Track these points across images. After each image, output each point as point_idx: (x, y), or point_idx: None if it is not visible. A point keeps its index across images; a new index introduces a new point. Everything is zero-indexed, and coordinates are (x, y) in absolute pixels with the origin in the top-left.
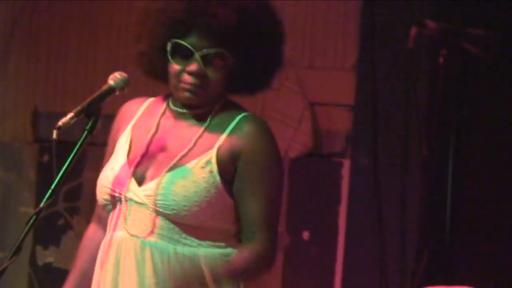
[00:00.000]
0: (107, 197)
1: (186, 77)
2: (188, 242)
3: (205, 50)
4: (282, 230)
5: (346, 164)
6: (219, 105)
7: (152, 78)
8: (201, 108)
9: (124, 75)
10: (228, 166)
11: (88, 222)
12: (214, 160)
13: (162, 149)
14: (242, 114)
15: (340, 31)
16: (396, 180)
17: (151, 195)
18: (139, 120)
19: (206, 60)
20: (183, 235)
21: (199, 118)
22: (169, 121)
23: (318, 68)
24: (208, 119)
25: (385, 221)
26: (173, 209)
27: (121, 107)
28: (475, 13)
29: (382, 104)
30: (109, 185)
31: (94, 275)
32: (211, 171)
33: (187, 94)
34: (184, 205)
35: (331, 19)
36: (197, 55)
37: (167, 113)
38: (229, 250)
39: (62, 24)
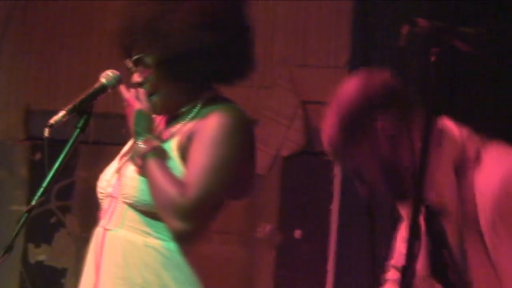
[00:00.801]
0: (99, 194)
1: (134, 77)
2: (158, 233)
3: (139, 54)
4: (273, 228)
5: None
6: (200, 103)
7: None
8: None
9: (117, 73)
10: (186, 147)
11: (80, 220)
12: (173, 144)
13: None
14: (219, 105)
15: (332, 29)
16: None
17: (121, 188)
18: None
19: (136, 61)
20: (152, 225)
21: (182, 118)
22: (162, 121)
23: (311, 66)
24: (183, 116)
25: (377, 220)
26: (130, 196)
27: None
28: (467, 12)
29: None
30: (101, 184)
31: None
32: (170, 156)
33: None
34: (139, 191)
35: (323, 17)
36: (133, 57)
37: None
38: None
39: (55, 22)
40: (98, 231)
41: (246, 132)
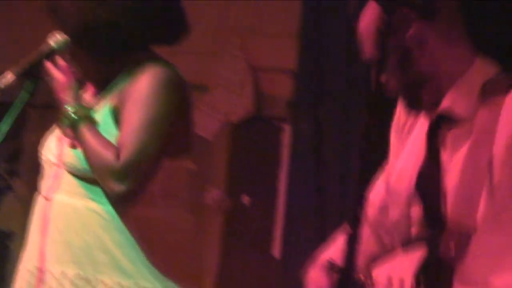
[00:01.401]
0: (41, 160)
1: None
2: (97, 198)
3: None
4: (221, 194)
5: (287, 128)
6: (131, 66)
7: None
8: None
9: (65, 36)
10: (119, 109)
11: (28, 184)
12: (108, 108)
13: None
14: (148, 63)
15: None
16: (336, 145)
17: (62, 155)
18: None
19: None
20: (90, 190)
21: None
22: (92, 89)
23: (261, 34)
24: (115, 79)
25: (325, 186)
26: (69, 162)
27: None
28: None
29: (324, 70)
30: (44, 150)
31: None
32: (105, 121)
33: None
34: (75, 162)
35: None
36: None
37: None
38: None
39: None
40: (39, 197)
41: (177, 89)
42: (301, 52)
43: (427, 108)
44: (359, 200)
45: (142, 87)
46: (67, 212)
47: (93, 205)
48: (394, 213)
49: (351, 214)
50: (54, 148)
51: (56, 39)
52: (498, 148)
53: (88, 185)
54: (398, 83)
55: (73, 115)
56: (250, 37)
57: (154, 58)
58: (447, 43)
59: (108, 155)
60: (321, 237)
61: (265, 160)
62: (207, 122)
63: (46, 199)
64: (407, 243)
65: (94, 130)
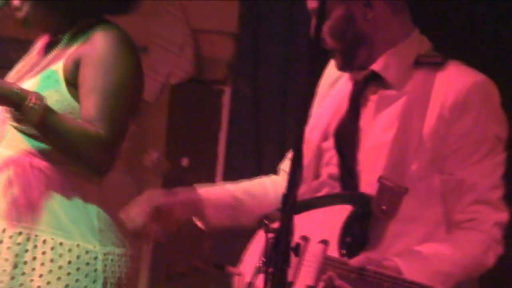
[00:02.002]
0: None
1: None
2: (45, 157)
3: None
4: (160, 156)
5: (227, 91)
6: (78, 28)
7: None
8: (55, 34)
9: None
10: (74, 73)
11: None
12: (59, 69)
13: (27, 67)
14: (99, 26)
15: None
16: (275, 107)
17: (5, 110)
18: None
19: None
20: (40, 145)
21: (63, 42)
22: (45, 47)
23: None
24: (63, 39)
25: (264, 147)
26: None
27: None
28: None
29: (265, 33)
30: None
31: None
32: (55, 80)
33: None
34: None
35: None
36: None
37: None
38: None
39: None
40: None
41: (133, 49)
42: (241, 15)
43: (356, 69)
44: (298, 160)
45: (100, 50)
46: (11, 168)
47: (39, 162)
48: (305, 161)
49: (289, 175)
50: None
51: None
52: (431, 117)
53: (34, 141)
54: (336, 40)
55: (33, 105)
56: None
57: (102, 20)
58: (391, 13)
59: (90, 131)
60: None
61: (204, 122)
62: (147, 84)
63: None
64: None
65: (61, 115)
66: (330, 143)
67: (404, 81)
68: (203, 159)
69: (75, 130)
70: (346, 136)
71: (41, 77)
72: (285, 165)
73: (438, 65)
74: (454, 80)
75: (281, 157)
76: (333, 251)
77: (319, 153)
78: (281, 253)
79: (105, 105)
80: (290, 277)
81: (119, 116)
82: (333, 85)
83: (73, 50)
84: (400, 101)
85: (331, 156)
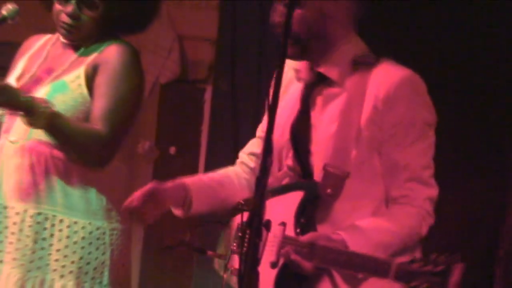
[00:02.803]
0: (0, 111)
1: (63, 17)
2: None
3: None
4: (151, 145)
5: (209, 89)
6: (95, 40)
7: (47, 12)
8: (80, 42)
9: (16, 6)
10: (91, 78)
11: None
12: (82, 75)
13: (48, 71)
14: (113, 40)
15: None
16: (251, 103)
17: None
18: (37, 51)
19: (80, 4)
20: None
21: (77, 49)
22: (58, 50)
23: (186, 6)
24: (81, 48)
25: (240, 137)
26: None
27: (24, 41)
28: None
29: (241, 38)
30: None
31: None
32: (80, 84)
33: (62, 31)
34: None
35: None
36: (72, 1)
37: (58, 43)
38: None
39: None
40: (2, 144)
41: (139, 64)
42: (221, 23)
43: (305, 60)
44: (268, 148)
45: (116, 63)
46: (35, 158)
47: (58, 153)
48: (274, 163)
49: (261, 162)
50: None
51: (7, 8)
52: (367, 109)
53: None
54: (303, 29)
55: (42, 109)
56: (176, 9)
57: (115, 36)
58: (350, 14)
59: (91, 129)
60: None
61: (189, 116)
62: None
63: (13, 143)
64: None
65: (65, 118)
66: (287, 139)
67: (344, 79)
68: (188, 147)
69: (78, 130)
70: (300, 132)
71: (69, 79)
72: (244, 158)
73: (372, 64)
74: (385, 76)
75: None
76: (290, 231)
77: (280, 148)
78: (254, 228)
79: (111, 108)
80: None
81: (120, 118)
82: (286, 88)
83: (91, 59)
84: (341, 97)
85: (288, 150)
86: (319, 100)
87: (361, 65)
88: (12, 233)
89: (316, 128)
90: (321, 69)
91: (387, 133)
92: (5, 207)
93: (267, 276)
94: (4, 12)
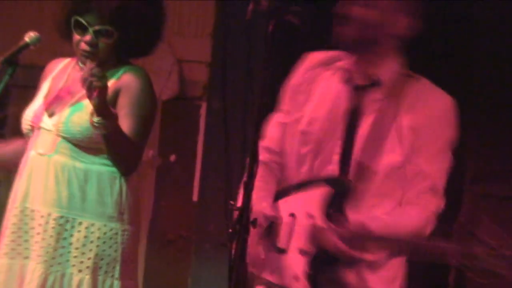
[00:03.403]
0: (28, 126)
1: (83, 45)
2: (84, 159)
3: (96, 27)
4: (154, 154)
5: (203, 105)
6: (112, 64)
7: (65, 40)
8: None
9: (37, 34)
10: (113, 100)
11: None
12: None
13: (69, 93)
14: (128, 66)
15: (201, 6)
16: (239, 119)
17: (55, 124)
18: (57, 74)
19: (97, 33)
20: (81, 154)
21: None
22: (77, 74)
23: (184, 34)
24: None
25: (231, 147)
26: (70, 133)
27: (47, 64)
28: None
29: (231, 62)
30: (29, 118)
31: (14, 183)
32: None
33: (82, 58)
34: (78, 131)
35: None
36: (90, 30)
37: (76, 68)
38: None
39: None
40: (31, 155)
41: (152, 87)
42: (214, 49)
43: (358, 73)
44: (254, 156)
45: (136, 87)
46: (59, 169)
47: (80, 164)
48: (304, 149)
49: (248, 168)
50: (47, 120)
51: (30, 36)
52: (408, 120)
53: (77, 149)
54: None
55: (110, 118)
56: (175, 36)
57: (126, 61)
58: (401, 33)
59: (133, 143)
60: (228, 187)
61: (187, 128)
62: None
63: (41, 155)
64: (308, 180)
65: (121, 130)
66: (336, 135)
67: (392, 87)
68: (186, 156)
69: (129, 142)
70: (350, 130)
71: (84, 103)
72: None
73: (415, 79)
74: (428, 95)
75: (242, 156)
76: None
77: (320, 141)
78: (243, 225)
79: (136, 126)
80: (282, 245)
81: (144, 134)
82: (312, 84)
83: (112, 83)
84: (387, 103)
85: (335, 145)
86: (368, 103)
87: (406, 77)
88: (37, 233)
89: (362, 127)
90: (379, 72)
91: (422, 145)
92: (32, 211)
93: (296, 262)
94: (27, 39)
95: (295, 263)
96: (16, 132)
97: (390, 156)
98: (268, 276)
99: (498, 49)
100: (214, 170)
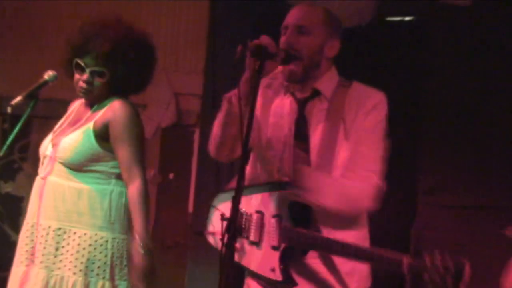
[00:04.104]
0: (41, 156)
1: (81, 83)
2: (78, 179)
3: (92, 68)
4: (156, 172)
5: (197, 131)
6: (105, 99)
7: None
8: (94, 101)
9: (54, 72)
10: (103, 130)
11: (33, 166)
12: (91, 127)
13: (70, 123)
14: (114, 99)
15: (194, 46)
16: None
17: (53, 150)
18: (70, 112)
19: (92, 73)
20: (73, 175)
21: (91, 107)
22: (81, 108)
23: (180, 71)
24: (95, 106)
25: (220, 167)
26: (61, 158)
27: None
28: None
29: (220, 95)
30: (40, 149)
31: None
32: (89, 133)
33: (81, 94)
34: (69, 155)
35: (189, 38)
36: (87, 70)
37: (82, 103)
38: (109, 186)
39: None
40: (38, 179)
41: (138, 113)
42: (205, 83)
43: (300, 82)
44: (241, 176)
45: (123, 117)
46: (56, 188)
47: (74, 184)
48: (270, 154)
49: (236, 185)
50: (50, 148)
51: (48, 74)
52: (350, 116)
53: (71, 171)
54: (307, 56)
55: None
56: (173, 73)
57: (120, 97)
58: (332, 54)
59: (137, 189)
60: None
61: (183, 151)
62: (146, 127)
63: (43, 178)
64: (273, 182)
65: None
66: (289, 141)
67: (331, 96)
68: (182, 174)
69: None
70: (301, 135)
71: (81, 131)
72: None
73: (348, 86)
74: (361, 93)
75: (231, 171)
76: (285, 222)
77: (283, 150)
78: (231, 234)
79: (134, 152)
80: (254, 239)
81: (141, 156)
82: (266, 103)
83: (100, 115)
84: (328, 108)
85: (290, 149)
86: (313, 112)
87: (342, 86)
88: (40, 243)
89: (313, 134)
90: (319, 87)
91: (362, 137)
92: (39, 224)
93: (271, 256)
94: (46, 77)
95: (270, 257)
96: (37, 156)
97: (341, 155)
98: (251, 266)
99: (449, 59)
100: (206, 186)
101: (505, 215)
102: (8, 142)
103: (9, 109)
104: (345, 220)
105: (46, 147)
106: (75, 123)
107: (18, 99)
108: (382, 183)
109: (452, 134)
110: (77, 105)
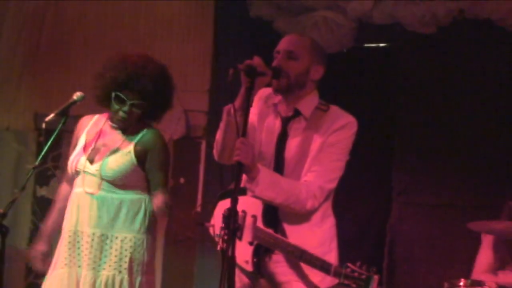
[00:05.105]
0: (73, 170)
1: (120, 113)
2: (120, 192)
3: (132, 101)
4: (184, 180)
5: (204, 143)
6: (137, 126)
7: (99, 106)
8: (126, 127)
9: (82, 93)
10: (142, 155)
11: (64, 173)
12: (132, 150)
13: (103, 144)
14: (147, 129)
15: (201, 68)
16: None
17: (98, 169)
18: (90, 128)
19: (131, 105)
20: (116, 189)
21: (124, 132)
22: (108, 129)
23: (188, 91)
24: (127, 131)
25: (224, 173)
26: (109, 176)
27: (80, 120)
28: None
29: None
30: (75, 164)
31: (66, 213)
32: (131, 156)
33: (119, 123)
34: (116, 175)
35: (196, 62)
36: (128, 103)
37: (107, 124)
38: (144, 196)
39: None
40: (79, 192)
41: (166, 141)
42: (211, 101)
43: (286, 105)
44: (238, 181)
45: (159, 146)
46: (101, 201)
47: (117, 195)
48: (262, 163)
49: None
50: (89, 165)
51: (77, 95)
52: (323, 137)
53: (114, 186)
54: (291, 77)
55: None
56: (182, 92)
57: (148, 124)
58: (316, 77)
59: (161, 202)
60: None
61: (192, 159)
62: None
63: (88, 193)
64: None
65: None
66: (271, 153)
67: (310, 116)
68: (191, 179)
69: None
70: (280, 149)
71: (123, 154)
72: None
73: (326, 110)
74: (335, 118)
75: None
76: (259, 222)
77: (270, 162)
78: (232, 227)
79: (163, 178)
80: (239, 234)
81: (167, 178)
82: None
83: (139, 142)
84: (306, 128)
85: (271, 160)
86: (293, 129)
87: (320, 109)
88: (86, 248)
89: (289, 148)
90: (300, 108)
91: (326, 148)
92: (82, 232)
93: (246, 250)
94: (75, 97)
95: (246, 251)
96: (66, 165)
97: (308, 168)
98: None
99: (418, 78)
100: (212, 189)
101: (468, 211)
102: (43, 153)
103: (43, 125)
104: (306, 216)
105: (82, 164)
106: (108, 144)
107: (51, 116)
108: (321, 200)
109: (421, 143)
110: (100, 124)
